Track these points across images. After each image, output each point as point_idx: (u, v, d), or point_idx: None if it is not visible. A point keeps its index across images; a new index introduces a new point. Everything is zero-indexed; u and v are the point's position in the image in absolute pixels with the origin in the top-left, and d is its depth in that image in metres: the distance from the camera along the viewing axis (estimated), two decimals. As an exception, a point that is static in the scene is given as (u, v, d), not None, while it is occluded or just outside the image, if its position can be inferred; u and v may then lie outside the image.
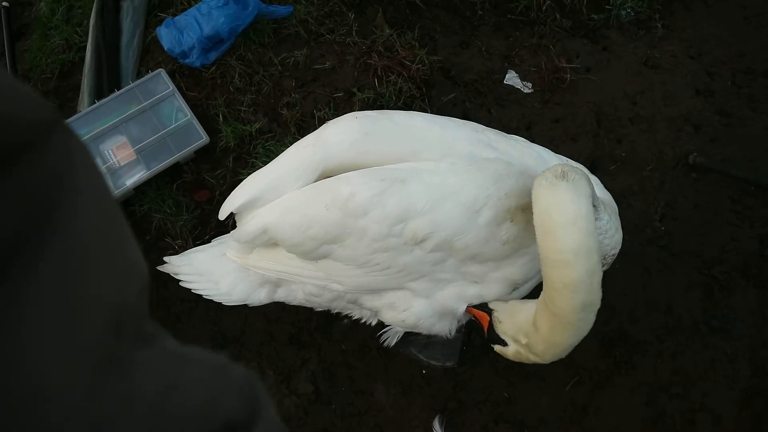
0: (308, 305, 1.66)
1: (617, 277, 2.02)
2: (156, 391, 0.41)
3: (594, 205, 1.38)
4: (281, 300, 1.67)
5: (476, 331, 1.79)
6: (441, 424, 1.90)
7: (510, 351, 1.45)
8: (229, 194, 1.57)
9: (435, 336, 1.91)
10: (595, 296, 1.22)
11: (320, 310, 1.69)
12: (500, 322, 1.46)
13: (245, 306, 1.97)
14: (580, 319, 1.23)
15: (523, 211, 1.36)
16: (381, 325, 1.66)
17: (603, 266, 1.51)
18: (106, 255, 0.39)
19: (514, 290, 1.50)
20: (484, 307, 1.51)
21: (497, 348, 1.48)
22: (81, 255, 0.36)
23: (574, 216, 1.17)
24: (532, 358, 1.40)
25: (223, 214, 1.56)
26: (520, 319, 1.41)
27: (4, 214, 0.32)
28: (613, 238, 1.42)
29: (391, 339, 1.66)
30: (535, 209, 1.24)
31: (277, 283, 1.62)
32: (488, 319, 1.49)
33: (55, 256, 0.34)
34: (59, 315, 0.34)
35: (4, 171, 0.33)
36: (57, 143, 0.37)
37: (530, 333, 1.35)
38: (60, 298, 0.34)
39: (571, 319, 1.23)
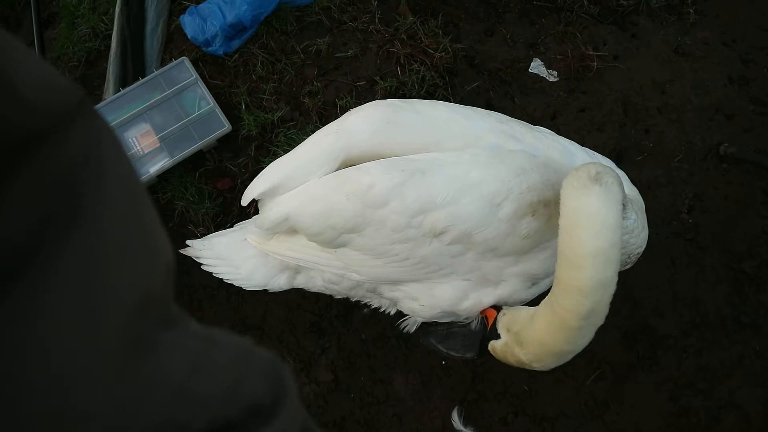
0: (327, 292, 1.67)
1: (642, 270, 1.98)
2: (181, 372, 0.41)
3: (623, 205, 1.35)
4: (300, 286, 1.67)
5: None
6: (459, 415, 1.90)
7: (498, 344, 1.43)
8: (250, 182, 1.58)
9: (455, 327, 1.90)
10: (601, 308, 1.19)
11: (339, 297, 1.69)
12: (504, 314, 1.46)
13: (266, 293, 1.99)
14: (580, 327, 1.20)
15: (545, 205, 1.33)
16: (400, 314, 1.66)
17: (627, 264, 1.48)
18: (132, 240, 0.39)
19: (533, 285, 1.47)
20: (495, 306, 1.50)
21: (490, 345, 1.46)
22: (106, 242, 0.36)
23: (601, 225, 1.15)
24: (516, 352, 1.37)
25: (245, 200, 1.57)
26: (521, 313, 1.40)
27: (28, 204, 0.32)
28: (639, 236, 1.39)
29: (410, 327, 1.66)
30: (563, 209, 1.21)
31: (296, 270, 1.62)
32: (495, 314, 1.48)
33: (79, 245, 0.34)
34: (83, 303, 0.34)
35: (27, 158, 0.32)
36: (82, 128, 0.36)
37: (525, 324, 1.34)
38: (84, 286, 0.35)
39: (571, 324, 1.21)
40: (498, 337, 1.45)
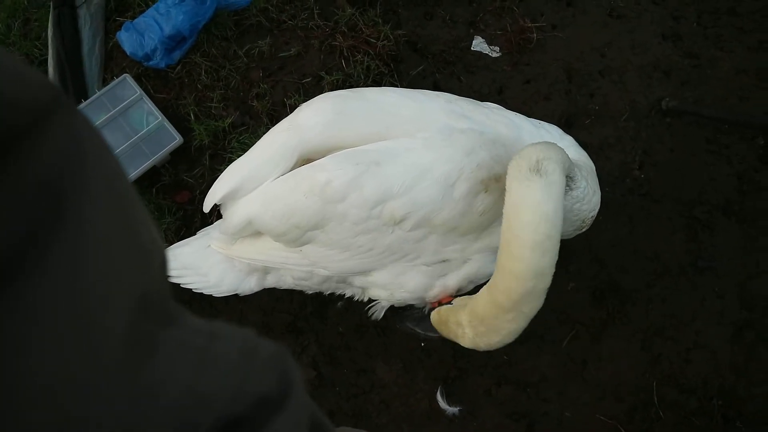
0: (299, 289, 1.68)
1: (603, 230, 2.05)
2: (187, 371, 0.39)
3: (571, 177, 1.38)
4: (271, 286, 1.68)
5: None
6: (443, 395, 1.93)
7: (435, 315, 1.44)
8: (209, 192, 1.57)
9: (429, 308, 1.93)
10: (534, 297, 1.19)
11: (311, 293, 1.70)
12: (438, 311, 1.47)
13: (240, 301, 1.99)
14: (508, 309, 1.22)
15: (496, 180, 1.37)
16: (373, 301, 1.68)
17: (584, 227, 1.52)
18: (122, 240, 0.37)
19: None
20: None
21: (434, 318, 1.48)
22: (94, 245, 0.34)
23: (540, 218, 1.16)
24: (460, 330, 1.38)
25: (206, 207, 1.57)
26: (467, 299, 1.42)
27: (7, 211, 0.30)
28: (591, 201, 1.42)
29: (378, 313, 1.68)
30: (506, 199, 1.23)
31: (265, 271, 1.63)
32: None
33: (65, 251, 0.32)
34: (75, 313, 0.33)
35: (3, 160, 0.30)
36: (61, 124, 0.34)
37: (468, 305, 1.36)
38: (74, 295, 0.32)
39: (502, 303, 1.22)
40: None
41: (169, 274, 0.44)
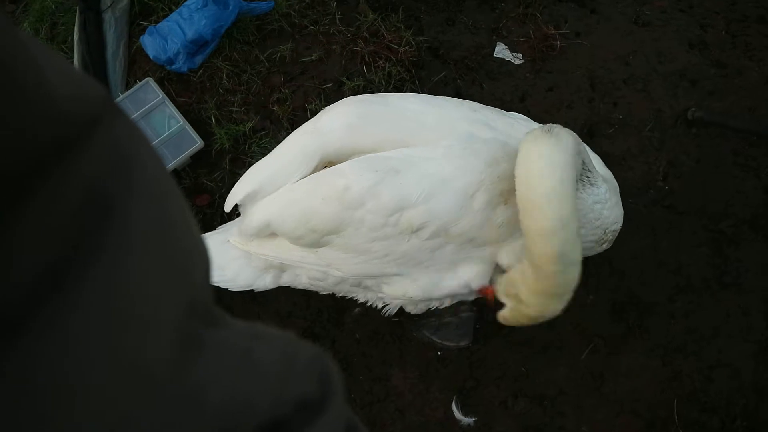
0: (314, 289, 1.68)
1: (625, 241, 2.01)
2: (230, 374, 0.38)
3: (589, 170, 1.37)
4: (287, 284, 1.69)
5: (487, 309, 1.77)
6: (458, 406, 1.92)
7: (506, 311, 1.41)
8: (230, 193, 1.59)
9: (447, 317, 1.92)
10: (569, 248, 1.18)
11: (325, 293, 1.70)
12: (498, 284, 1.44)
13: (257, 305, 2.00)
14: (556, 270, 1.20)
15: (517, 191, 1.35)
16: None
17: (605, 243, 1.50)
18: (167, 244, 0.36)
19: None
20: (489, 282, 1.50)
21: (499, 315, 1.44)
22: (139, 251, 0.33)
23: (548, 164, 1.16)
24: (523, 310, 1.35)
25: (228, 207, 1.59)
26: (514, 275, 1.38)
27: (54, 217, 0.29)
28: (613, 210, 1.41)
29: (391, 310, 1.67)
30: (517, 160, 1.23)
31: (281, 268, 1.64)
32: (492, 291, 1.48)
33: (107, 265, 0.31)
34: (121, 318, 0.32)
35: (48, 173, 0.29)
36: (110, 130, 0.33)
37: (519, 284, 1.33)
38: (120, 299, 0.31)
39: (547, 269, 1.20)
40: (503, 306, 1.43)
41: (210, 271, 0.43)
